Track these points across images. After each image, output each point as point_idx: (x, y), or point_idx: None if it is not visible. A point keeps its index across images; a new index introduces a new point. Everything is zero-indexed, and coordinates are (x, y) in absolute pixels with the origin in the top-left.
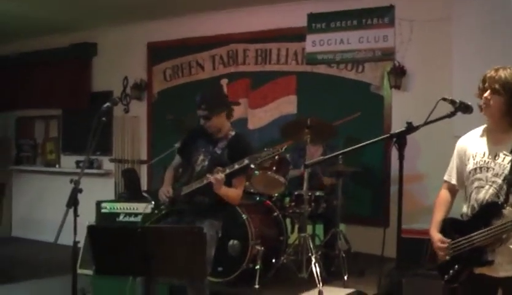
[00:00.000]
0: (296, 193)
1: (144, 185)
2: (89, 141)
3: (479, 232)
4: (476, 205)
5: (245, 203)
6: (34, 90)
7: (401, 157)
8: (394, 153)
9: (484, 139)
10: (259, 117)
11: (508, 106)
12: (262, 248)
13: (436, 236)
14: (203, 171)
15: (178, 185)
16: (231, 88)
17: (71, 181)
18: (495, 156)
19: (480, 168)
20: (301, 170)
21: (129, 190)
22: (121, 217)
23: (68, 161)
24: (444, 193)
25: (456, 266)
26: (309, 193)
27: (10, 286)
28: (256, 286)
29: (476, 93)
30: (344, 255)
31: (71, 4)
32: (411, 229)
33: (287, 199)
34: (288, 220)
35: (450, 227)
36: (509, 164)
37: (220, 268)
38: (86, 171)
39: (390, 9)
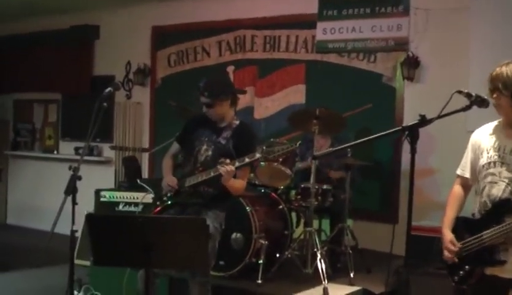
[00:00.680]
0: (302, 186)
1: (145, 174)
2: (90, 127)
3: (490, 230)
4: (488, 201)
5: (249, 194)
6: (33, 72)
7: (413, 151)
8: (405, 147)
9: (499, 133)
10: (266, 106)
11: None
12: (266, 242)
13: (448, 235)
14: (207, 161)
15: (181, 175)
16: (238, 76)
17: (70, 168)
18: (510, 151)
19: (494, 162)
20: (308, 162)
21: (130, 178)
22: (120, 207)
23: (67, 148)
24: (457, 189)
25: (466, 267)
26: (316, 187)
27: (4, 275)
28: (259, 281)
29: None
30: (350, 251)
31: None
32: (420, 226)
33: (293, 192)
34: (293, 214)
35: (462, 227)
36: None
37: (221, 262)
38: (86, 158)
39: None
